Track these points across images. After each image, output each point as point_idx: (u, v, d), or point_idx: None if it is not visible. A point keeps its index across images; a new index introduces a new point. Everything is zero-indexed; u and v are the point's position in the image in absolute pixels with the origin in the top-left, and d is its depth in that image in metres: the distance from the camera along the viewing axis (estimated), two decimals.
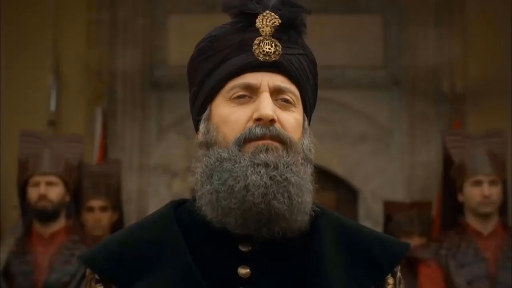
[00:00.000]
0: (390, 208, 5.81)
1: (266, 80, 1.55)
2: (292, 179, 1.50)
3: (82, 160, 4.64)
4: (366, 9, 7.81)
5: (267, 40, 1.55)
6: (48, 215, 4.27)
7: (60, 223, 4.32)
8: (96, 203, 5.10)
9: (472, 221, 4.28)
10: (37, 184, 4.25)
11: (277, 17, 1.56)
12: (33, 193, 4.25)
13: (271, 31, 1.56)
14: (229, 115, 1.54)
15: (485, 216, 4.26)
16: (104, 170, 5.37)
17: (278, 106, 1.55)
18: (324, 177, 6.98)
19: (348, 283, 1.54)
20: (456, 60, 7.56)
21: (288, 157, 1.51)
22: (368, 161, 7.68)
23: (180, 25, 7.72)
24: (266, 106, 1.52)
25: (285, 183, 1.49)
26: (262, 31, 1.56)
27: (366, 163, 7.68)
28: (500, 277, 4.17)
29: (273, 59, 1.55)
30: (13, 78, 7.19)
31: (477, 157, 4.28)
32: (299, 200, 1.50)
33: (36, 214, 4.28)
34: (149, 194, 7.58)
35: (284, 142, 1.52)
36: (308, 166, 1.56)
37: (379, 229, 5.03)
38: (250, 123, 1.53)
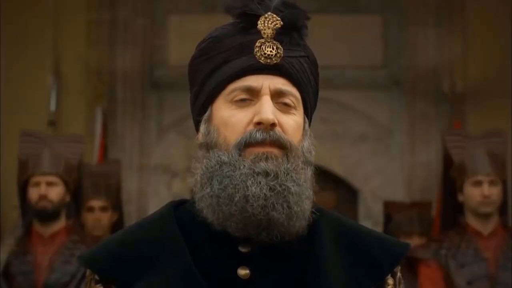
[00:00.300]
0: (390, 208, 5.81)
1: (267, 83, 1.55)
2: (292, 188, 1.50)
3: (82, 160, 4.64)
4: (366, 9, 7.81)
5: (268, 42, 1.55)
6: (48, 215, 4.27)
7: (60, 223, 4.32)
8: (96, 203, 5.10)
9: (472, 221, 4.28)
10: (37, 184, 4.25)
11: (279, 19, 1.56)
12: (33, 193, 4.25)
13: (272, 33, 1.55)
14: (230, 118, 1.54)
15: (485, 216, 4.26)
16: (104, 170, 5.37)
17: (278, 109, 1.55)
18: (324, 177, 6.97)
19: (348, 283, 1.54)
20: (456, 60, 7.56)
21: (288, 163, 1.52)
22: (368, 161, 7.67)
23: (180, 25, 7.72)
24: (267, 109, 1.52)
25: (285, 193, 1.50)
26: (264, 33, 1.55)
27: (366, 163, 7.68)
28: (500, 277, 4.17)
29: (274, 61, 1.55)
30: (13, 78, 7.19)
31: (477, 157, 4.28)
32: (298, 208, 1.51)
33: (36, 214, 4.28)
34: (149, 194, 7.58)
35: (284, 146, 1.52)
36: (308, 169, 1.56)
37: (379, 229, 5.04)
38: (251, 127, 1.53)
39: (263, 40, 1.55)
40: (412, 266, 4.31)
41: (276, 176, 1.50)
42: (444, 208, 4.57)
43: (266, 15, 1.56)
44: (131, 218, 6.29)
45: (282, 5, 1.57)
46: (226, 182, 1.50)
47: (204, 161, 1.55)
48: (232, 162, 1.51)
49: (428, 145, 7.51)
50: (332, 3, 7.75)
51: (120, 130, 7.59)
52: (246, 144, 1.52)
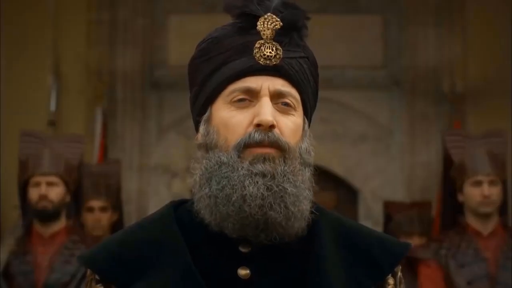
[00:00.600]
0: (390, 208, 5.81)
1: (267, 84, 1.55)
2: (289, 189, 1.51)
3: (82, 160, 4.64)
4: (366, 9, 7.81)
5: (268, 43, 1.55)
6: (48, 215, 4.27)
7: (61, 223, 4.32)
8: (96, 203, 5.10)
9: (472, 221, 4.28)
10: (37, 184, 4.25)
11: (278, 19, 1.56)
12: (33, 193, 4.25)
13: (272, 34, 1.55)
14: (230, 119, 1.54)
15: (485, 216, 4.26)
16: (104, 170, 5.37)
17: (278, 110, 1.55)
18: (324, 177, 6.98)
19: (348, 283, 1.54)
20: (456, 60, 7.56)
21: (286, 165, 1.52)
22: (368, 161, 7.67)
23: (180, 25, 7.72)
24: (266, 111, 1.52)
25: (282, 193, 1.50)
26: (263, 34, 1.55)
27: (366, 163, 7.68)
28: (500, 277, 4.17)
29: (274, 63, 1.55)
30: (13, 78, 7.19)
31: (477, 157, 4.28)
32: (296, 209, 1.51)
33: (36, 214, 4.28)
34: (149, 194, 7.58)
35: (282, 148, 1.53)
36: (306, 170, 1.56)
37: (379, 229, 5.03)
38: (250, 128, 1.53)
39: (262, 41, 1.55)
40: (412, 266, 4.31)
41: (273, 177, 1.50)
42: (444, 208, 4.57)
43: (266, 16, 1.56)
44: (131, 218, 6.29)
45: (281, 6, 1.57)
46: (224, 183, 1.51)
47: (204, 161, 1.55)
48: (231, 163, 1.51)
49: (428, 145, 7.51)
50: (332, 3, 7.75)
51: (120, 130, 7.59)
52: (245, 145, 1.52)
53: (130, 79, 7.64)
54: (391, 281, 1.60)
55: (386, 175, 7.64)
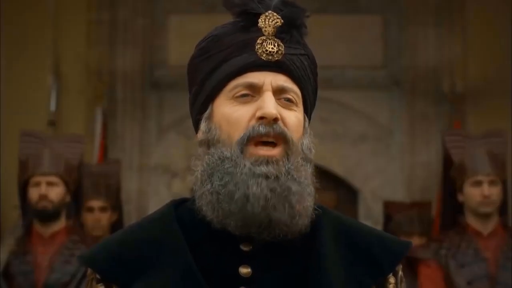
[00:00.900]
0: (390, 208, 5.81)
1: (269, 79, 1.55)
2: (293, 188, 1.51)
3: (82, 160, 4.63)
4: (366, 9, 7.80)
5: (270, 39, 1.55)
6: (48, 215, 4.27)
7: (61, 223, 4.31)
8: (95, 203, 5.10)
9: (472, 221, 4.28)
10: (37, 184, 4.25)
11: (279, 17, 1.56)
12: (33, 193, 4.25)
13: (273, 31, 1.56)
14: (232, 114, 1.54)
15: (485, 216, 4.26)
16: (104, 170, 5.37)
17: (280, 105, 1.55)
18: (324, 177, 6.97)
19: (348, 281, 1.54)
20: (456, 60, 7.56)
21: (289, 163, 1.52)
22: (368, 161, 7.67)
23: (180, 25, 7.71)
24: (269, 104, 1.52)
25: (286, 193, 1.50)
26: (265, 30, 1.56)
27: (366, 163, 7.68)
28: (500, 277, 4.17)
29: (276, 58, 1.55)
30: (13, 78, 7.19)
31: (477, 157, 4.28)
32: (301, 206, 1.51)
33: (36, 214, 4.28)
34: (149, 194, 7.58)
35: (287, 140, 1.52)
36: (308, 166, 1.56)
37: (379, 229, 5.03)
38: (253, 122, 1.53)
39: (264, 37, 1.56)
40: (412, 266, 4.31)
41: (277, 178, 1.50)
42: (444, 208, 4.57)
43: (267, 14, 1.56)
44: (131, 218, 6.29)
45: (281, 4, 1.58)
46: (226, 179, 1.50)
47: (206, 157, 1.55)
48: (233, 158, 1.51)
49: (428, 145, 7.51)
50: (332, 3, 7.75)
51: (120, 130, 7.59)
52: (249, 139, 1.52)
53: (130, 79, 7.64)
54: (392, 280, 1.60)
55: (386, 175, 7.63)
